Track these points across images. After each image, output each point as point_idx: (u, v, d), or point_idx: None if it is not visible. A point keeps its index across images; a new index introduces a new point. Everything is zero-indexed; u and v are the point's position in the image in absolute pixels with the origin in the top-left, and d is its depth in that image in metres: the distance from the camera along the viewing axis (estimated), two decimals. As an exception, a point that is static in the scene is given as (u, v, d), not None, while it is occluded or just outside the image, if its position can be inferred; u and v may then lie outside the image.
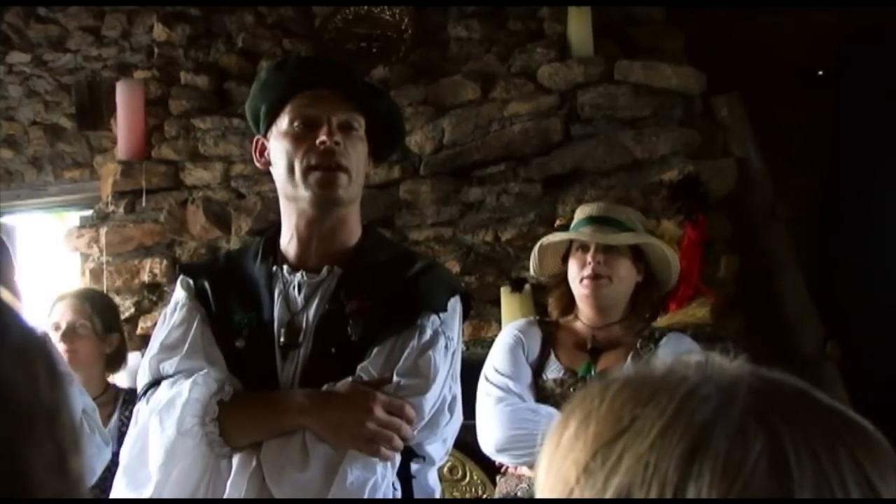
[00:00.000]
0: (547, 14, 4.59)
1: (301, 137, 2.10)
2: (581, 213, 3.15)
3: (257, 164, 2.25)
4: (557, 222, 4.03)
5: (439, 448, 2.11)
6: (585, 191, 4.27)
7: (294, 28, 4.89)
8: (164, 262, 4.72)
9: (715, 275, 4.12)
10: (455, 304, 2.17)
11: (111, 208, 4.82)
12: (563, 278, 3.06)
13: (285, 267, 2.15)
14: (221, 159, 4.77)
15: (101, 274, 4.74)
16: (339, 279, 2.13)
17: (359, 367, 2.01)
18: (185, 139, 4.81)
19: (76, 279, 4.84)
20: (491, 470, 3.10)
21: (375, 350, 2.02)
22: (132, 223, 4.78)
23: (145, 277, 4.74)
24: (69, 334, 3.52)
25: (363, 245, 2.22)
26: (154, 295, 4.76)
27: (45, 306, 3.59)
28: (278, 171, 2.14)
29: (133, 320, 4.72)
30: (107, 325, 3.67)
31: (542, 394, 2.88)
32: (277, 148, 2.14)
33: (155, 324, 4.51)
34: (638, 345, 2.90)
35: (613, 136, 4.32)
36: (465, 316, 2.23)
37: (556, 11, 4.53)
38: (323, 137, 2.06)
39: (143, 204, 4.78)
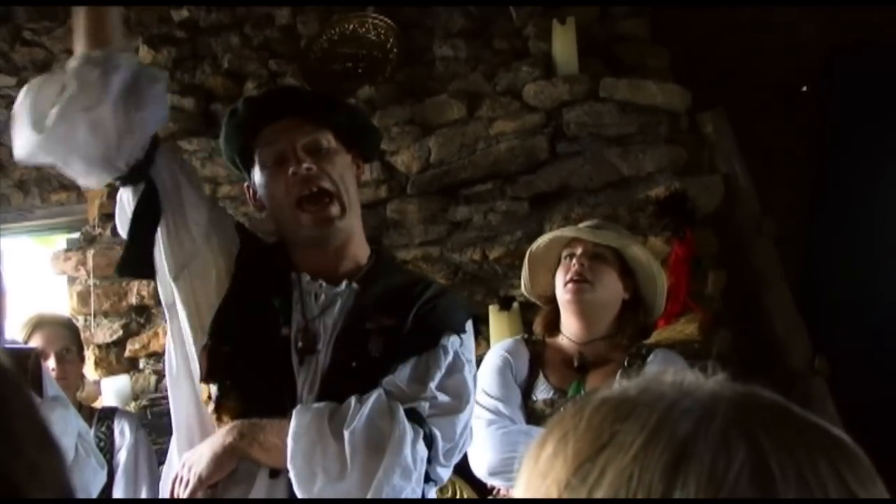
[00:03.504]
0: (532, 33, 4.60)
1: (275, 173, 2.14)
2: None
3: (254, 209, 2.31)
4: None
5: (445, 474, 2.14)
6: (572, 208, 4.27)
7: (280, 49, 4.89)
8: (152, 284, 4.60)
9: (702, 291, 4.12)
10: (471, 326, 2.21)
11: (98, 231, 4.82)
12: (550, 299, 3.04)
13: (303, 275, 2.18)
14: (208, 181, 4.75)
15: (88, 297, 4.73)
16: (357, 295, 2.16)
17: (384, 380, 2.03)
18: None
19: (63, 302, 4.83)
20: (483, 491, 3.10)
21: (401, 366, 2.05)
22: (119, 245, 4.69)
23: (133, 300, 4.73)
24: (61, 361, 3.56)
25: (376, 265, 2.26)
26: (142, 317, 4.76)
27: (21, 328, 3.60)
28: (271, 210, 2.19)
29: (121, 343, 4.74)
30: (80, 350, 3.76)
31: (533, 415, 2.86)
32: (262, 189, 2.18)
33: (143, 346, 4.57)
34: (626, 362, 2.88)
35: (600, 154, 4.32)
36: (477, 337, 2.28)
37: (540, 30, 4.54)
38: (292, 168, 2.10)
39: None
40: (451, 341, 2.10)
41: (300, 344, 2.09)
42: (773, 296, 4.35)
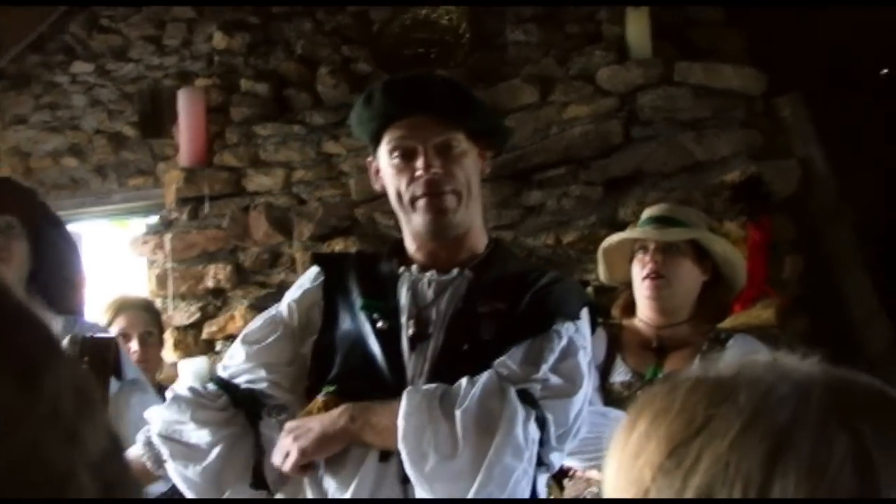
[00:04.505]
0: (605, 16, 4.60)
1: (401, 169, 2.14)
2: (644, 214, 3.17)
3: (374, 187, 2.29)
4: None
5: (558, 459, 2.13)
6: (646, 193, 4.26)
7: (352, 34, 4.94)
8: (228, 267, 4.79)
9: (779, 276, 4.09)
10: (586, 314, 2.18)
11: (175, 215, 4.91)
12: (630, 283, 3.06)
13: (413, 267, 2.20)
14: (282, 165, 4.84)
15: (166, 280, 4.82)
16: (470, 282, 2.16)
17: (496, 362, 2.01)
18: (246, 146, 4.90)
19: (142, 285, 4.94)
20: (559, 473, 3.01)
21: (513, 348, 2.03)
22: (196, 229, 4.86)
23: (209, 283, 4.82)
24: (143, 344, 3.63)
25: (492, 254, 2.26)
26: (218, 300, 4.83)
27: (104, 311, 3.66)
28: (391, 198, 2.21)
29: (198, 325, 4.80)
30: (161, 333, 3.85)
31: (610, 397, 2.87)
32: (385, 177, 2.20)
33: (219, 329, 4.65)
34: (704, 346, 2.88)
35: (674, 138, 4.32)
36: (593, 329, 2.24)
37: (613, 14, 4.54)
38: (420, 171, 2.11)
39: (206, 210, 4.87)
40: (566, 327, 2.07)
41: (411, 331, 2.11)
42: (851, 282, 4.30)
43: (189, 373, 4.54)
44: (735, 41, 4.52)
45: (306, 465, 2.04)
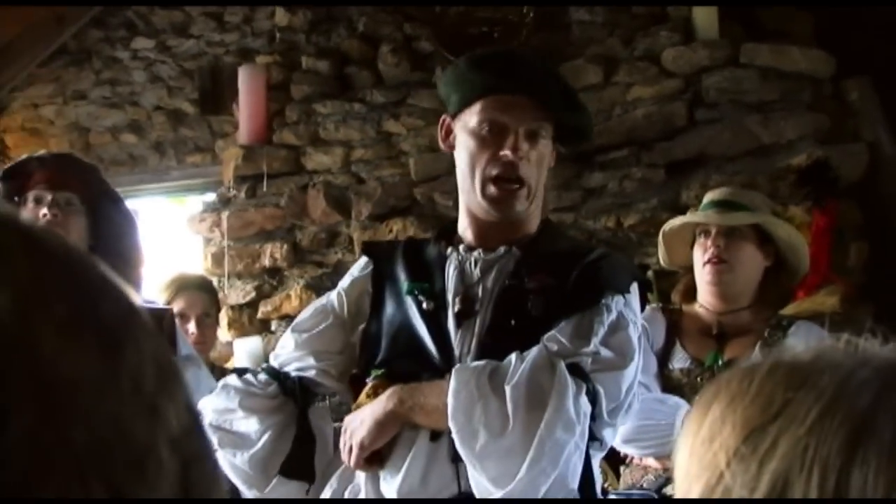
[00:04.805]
0: (671, -3, 4.68)
1: (486, 142, 2.21)
2: (706, 197, 3.26)
3: (441, 145, 2.38)
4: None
5: (611, 435, 2.24)
6: (710, 176, 4.38)
7: (414, 12, 5.06)
8: (285, 246, 4.98)
9: (844, 263, 4.20)
10: (636, 289, 2.25)
11: (233, 193, 5.12)
12: (692, 266, 3.15)
13: (461, 246, 2.29)
14: (342, 144, 5.01)
15: (222, 258, 5.03)
16: (518, 259, 2.24)
17: (545, 336, 2.08)
18: (306, 124, 5.07)
19: (198, 263, 5.14)
20: (615, 460, 3.15)
21: (562, 323, 2.10)
22: (253, 208, 5.06)
23: (266, 262, 5.00)
24: (200, 325, 3.82)
25: (541, 233, 2.34)
26: (274, 280, 5.02)
27: (162, 289, 3.82)
28: (460, 164, 2.28)
29: (254, 304, 5.00)
30: (218, 313, 4.04)
31: (669, 384, 2.97)
32: (462, 142, 2.27)
33: (275, 308, 4.91)
34: (766, 333, 2.97)
35: (739, 121, 4.44)
36: (643, 305, 2.33)
37: (681, -6, 4.62)
38: (507, 151, 2.16)
39: (265, 189, 5.04)
40: (615, 301, 2.13)
41: (458, 307, 2.18)
42: (919, 268, 4.32)
43: (243, 352, 4.73)
44: (804, 23, 4.63)
45: (372, 458, 2.14)
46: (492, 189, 2.21)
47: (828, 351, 0.79)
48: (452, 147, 2.32)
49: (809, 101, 4.49)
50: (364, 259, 2.46)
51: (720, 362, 2.95)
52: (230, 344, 4.91)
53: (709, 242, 3.04)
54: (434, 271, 2.29)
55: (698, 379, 2.95)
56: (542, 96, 2.22)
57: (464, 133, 2.26)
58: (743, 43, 4.54)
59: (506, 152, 2.16)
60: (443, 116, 2.38)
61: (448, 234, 2.38)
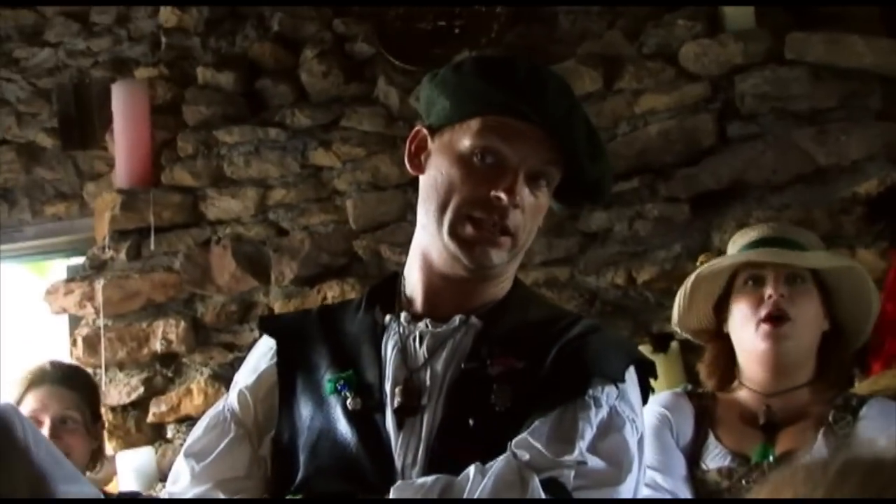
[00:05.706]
0: (692, -26, 4.65)
1: (475, 174, 2.13)
2: (744, 237, 3.20)
3: (406, 164, 2.29)
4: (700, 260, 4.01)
5: None
6: (750, 212, 4.31)
7: (349, 6, 5.02)
8: (182, 324, 4.87)
9: None
10: (633, 375, 2.18)
11: (109, 254, 4.97)
12: (713, 335, 3.11)
13: (403, 315, 2.22)
14: (255, 183, 4.92)
15: (97, 343, 4.87)
16: (478, 334, 2.17)
17: (514, 441, 2.00)
18: (206, 158, 4.98)
19: (64, 350, 4.97)
20: None
21: (536, 422, 2.02)
22: (138, 273, 4.93)
23: (157, 346, 4.88)
24: (57, 431, 3.60)
25: (508, 298, 2.27)
26: (169, 369, 4.90)
27: (13, 388, 3.69)
28: (428, 192, 2.21)
29: (142, 404, 4.88)
30: (94, 415, 3.81)
31: (704, 488, 2.90)
32: (439, 165, 2.19)
33: (171, 408, 4.66)
34: (830, 417, 2.90)
35: (786, 137, 4.35)
36: (646, 393, 2.24)
37: (705, -27, 4.59)
38: (500, 193, 2.09)
39: (152, 247, 4.93)
40: (606, 392, 2.07)
41: (398, 401, 2.11)
42: None
43: (129, 470, 4.72)
44: (868, 6, 4.53)
45: None
46: (468, 229, 2.14)
47: None
48: (421, 169, 2.25)
49: (879, 107, 4.36)
50: (266, 341, 2.37)
51: (771, 457, 2.88)
52: (112, 459, 4.75)
53: (767, 291, 2.95)
54: (363, 352, 2.23)
55: (743, 481, 2.86)
56: (563, 131, 2.15)
57: (446, 154, 2.19)
58: (788, 33, 4.42)
59: (499, 194, 2.09)
60: (417, 127, 2.29)
61: (384, 295, 2.31)
